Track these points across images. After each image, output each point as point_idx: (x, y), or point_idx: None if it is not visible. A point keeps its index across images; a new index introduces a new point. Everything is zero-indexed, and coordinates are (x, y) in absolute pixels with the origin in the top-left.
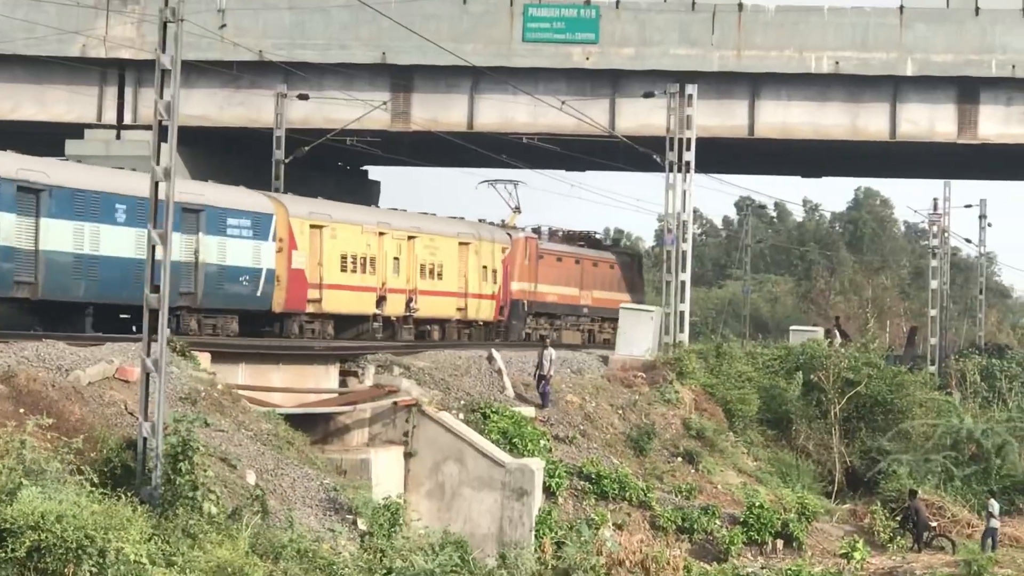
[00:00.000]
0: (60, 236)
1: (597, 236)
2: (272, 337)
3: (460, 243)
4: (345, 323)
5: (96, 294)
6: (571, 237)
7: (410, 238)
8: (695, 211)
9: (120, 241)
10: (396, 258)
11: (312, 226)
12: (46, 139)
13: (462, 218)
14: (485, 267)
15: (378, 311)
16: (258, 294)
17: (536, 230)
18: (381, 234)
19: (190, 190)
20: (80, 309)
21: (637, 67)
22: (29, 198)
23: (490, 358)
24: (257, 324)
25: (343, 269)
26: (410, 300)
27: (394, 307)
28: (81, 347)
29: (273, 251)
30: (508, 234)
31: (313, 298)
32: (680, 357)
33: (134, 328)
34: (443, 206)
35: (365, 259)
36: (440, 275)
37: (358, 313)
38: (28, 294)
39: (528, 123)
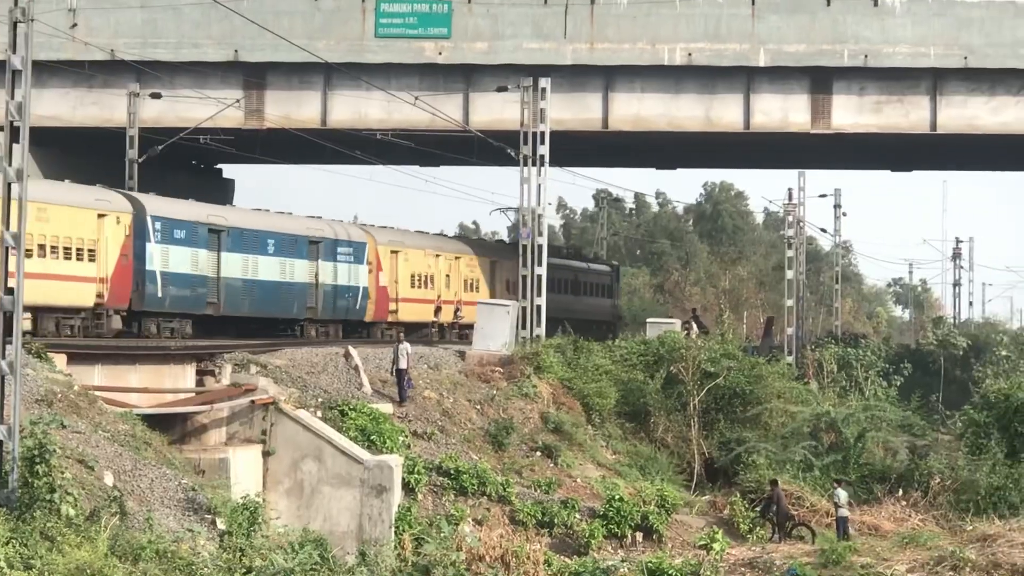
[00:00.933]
0: (234, 266)
1: (582, 251)
2: (362, 339)
3: (491, 261)
4: (412, 329)
5: (255, 310)
6: (558, 251)
7: (456, 258)
8: (560, 201)
9: (271, 268)
10: (447, 275)
11: (391, 251)
12: None
13: (484, 239)
14: (507, 280)
15: (435, 319)
16: (357, 307)
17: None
18: (437, 256)
19: (314, 226)
20: (245, 322)
21: (490, 61)
22: (214, 237)
23: (347, 355)
24: (352, 331)
25: (412, 285)
26: (457, 309)
27: (446, 315)
28: None
29: (366, 272)
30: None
31: (392, 309)
32: (537, 351)
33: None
34: (298, 204)
35: (427, 277)
36: (477, 288)
37: (422, 321)
38: (213, 311)
39: (382, 119)
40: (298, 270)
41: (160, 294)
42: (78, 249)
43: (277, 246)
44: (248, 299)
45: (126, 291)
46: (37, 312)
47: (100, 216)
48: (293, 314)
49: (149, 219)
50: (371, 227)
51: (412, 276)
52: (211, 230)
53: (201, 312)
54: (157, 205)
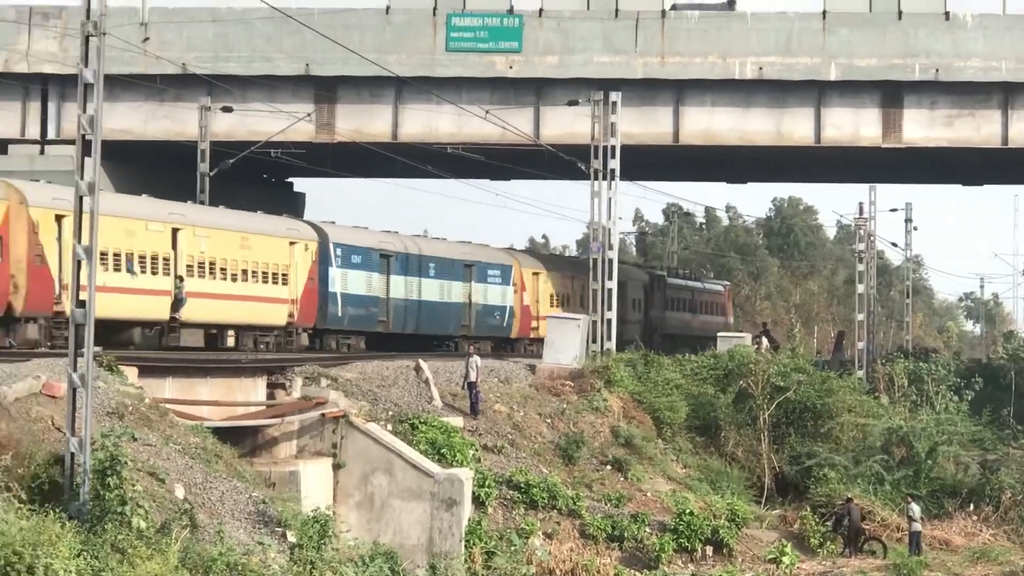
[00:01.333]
0: (401, 287)
1: (703, 271)
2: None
3: (619, 282)
4: None
5: (418, 327)
6: (677, 272)
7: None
8: (637, 213)
9: (432, 289)
10: (580, 295)
11: (533, 273)
12: None
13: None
14: (633, 299)
15: None
16: (504, 325)
17: (663, 268)
18: (572, 277)
19: (467, 251)
20: (408, 339)
21: (561, 75)
22: (384, 261)
23: (417, 368)
24: (499, 346)
25: (551, 304)
26: None
27: None
28: (6, 363)
29: (512, 293)
30: (647, 274)
31: (534, 327)
32: (608, 365)
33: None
34: (365, 218)
35: (564, 296)
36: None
37: None
38: (382, 329)
39: (452, 133)
40: (455, 291)
41: (340, 314)
42: (274, 274)
43: (437, 269)
44: (413, 318)
45: (312, 311)
46: (239, 330)
47: (291, 244)
48: (450, 331)
49: (332, 246)
50: (515, 251)
51: (551, 296)
52: (382, 255)
53: (373, 330)
54: (338, 233)
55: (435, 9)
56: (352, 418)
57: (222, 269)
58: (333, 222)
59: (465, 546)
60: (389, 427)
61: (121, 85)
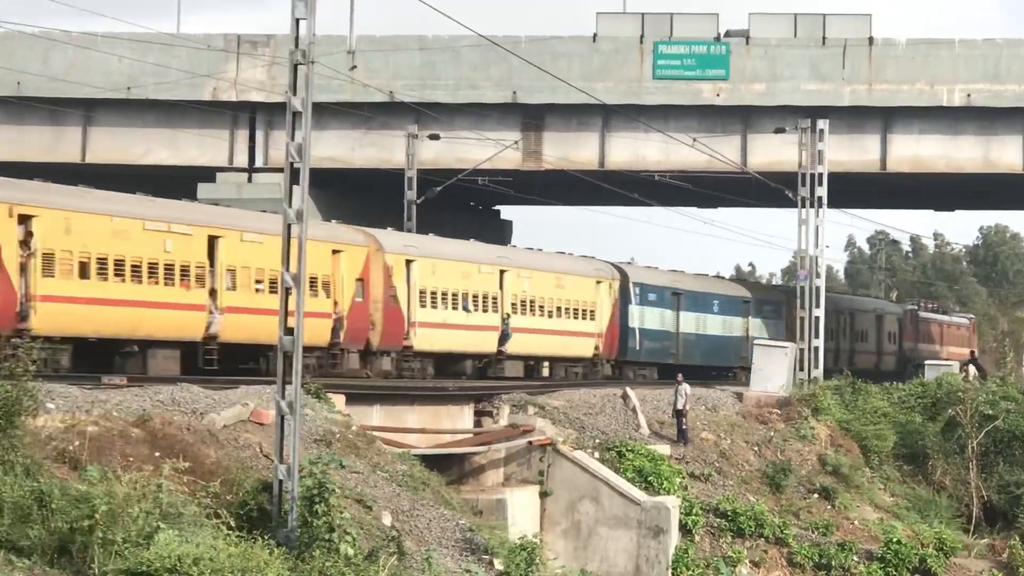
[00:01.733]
0: (689, 323)
1: (950, 305)
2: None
3: (876, 315)
4: None
5: (703, 359)
6: (925, 306)
7: (851, 314)
8: (850, 239)
9: (716, 324)
10: (845, 329)
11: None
12: (178, 183)
13: (870, 296)
14: (890, 332)
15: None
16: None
17: (916, 303)
18: (837, 313)
19: (745, 288)
20: (694, 369)
21: (768, 103)
22: (675, 299)
23: (624, 396)
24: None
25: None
26: (837, 357)
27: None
28: (215, 390)
29: (784, 328)
30: (901, 308)
31: None
32: (815, 393)
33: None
34: (572, 244)
35: (830, 330)
36: (866, 338)
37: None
38: (673, 361)
39: (659, 160)
40: (735, 326)
41: (638, 347)
42: (583, 310)
43: (720, 306)
44: (699, 351)
45: (614, 344)
46: (553, 361)
47: (597, 283)
48: (730, 363)
49: (631, 284)
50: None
51: None
52: (673, 293)
53: (665, 362)
54: (636, 272)
55: (642, 37)
56: (559, 446)
57: (540, 306)
58: (630, 261)
59: (672, 574)
60: (596, 455)
61: (329, 113)
